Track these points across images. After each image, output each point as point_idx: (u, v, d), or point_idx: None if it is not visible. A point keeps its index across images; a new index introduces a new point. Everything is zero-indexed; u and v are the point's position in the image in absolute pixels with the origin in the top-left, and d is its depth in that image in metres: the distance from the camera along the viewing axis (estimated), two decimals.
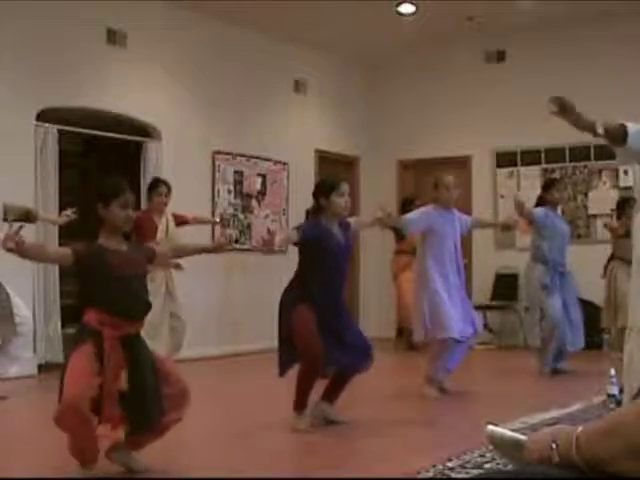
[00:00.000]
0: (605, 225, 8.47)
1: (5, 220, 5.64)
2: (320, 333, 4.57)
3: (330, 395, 4.83)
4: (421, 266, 6.07)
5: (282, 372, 4.72)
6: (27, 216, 5.89)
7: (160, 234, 6.93)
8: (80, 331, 3.47)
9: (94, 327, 3.37)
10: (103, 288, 3.41)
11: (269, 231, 4.77)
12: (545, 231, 7.01)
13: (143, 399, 3.38)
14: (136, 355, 3.42)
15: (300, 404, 4.66)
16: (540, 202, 7.17)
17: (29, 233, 5.99)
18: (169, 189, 7.19)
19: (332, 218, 4.80)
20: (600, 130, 3.20)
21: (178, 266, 6.92)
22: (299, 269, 4.84)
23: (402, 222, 6.04)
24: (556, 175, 9.86)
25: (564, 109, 3.23)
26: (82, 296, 3.52)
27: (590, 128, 3.24)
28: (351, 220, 5.05)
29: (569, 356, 7.26)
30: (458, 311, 5.92)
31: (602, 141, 3.38)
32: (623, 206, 7.93)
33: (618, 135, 3.21)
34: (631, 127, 3.20)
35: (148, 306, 3.59)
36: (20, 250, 3.33)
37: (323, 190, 4.81)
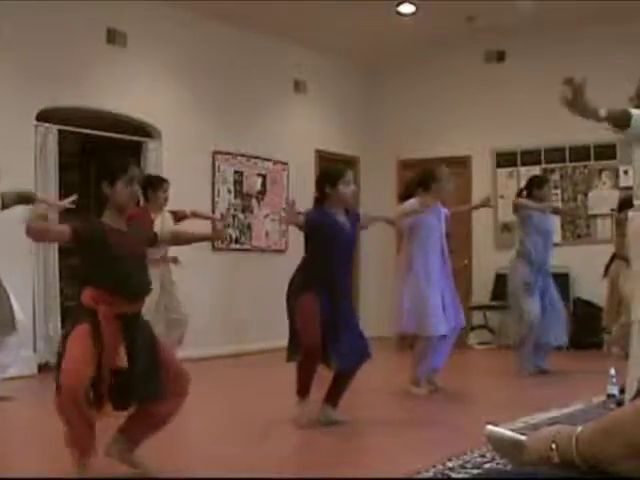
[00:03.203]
0: (612, 215, 8.40)
1: (5, 208, 5.64)
2: (322, 323, 4.58)
3: (332, 398, 4.83)
4: (405, 260, 6.09)
5: (288, 358, 4.75)
6: (25, 199, 5.86)
7: (156, 228, 6.84)
8: (76, 311, 3.46)
9: (89, 305, 3.36)
10: (101, 266, 3.40)
11: (290, 203, 4.76)
12: (528, 227, 6.97)
13: (139, 376, 3.37)
14: (134, 334, 3.40)
15: (302, 390, 4.68)
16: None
17: None
18: (168, 186, 7.19)
19: (337, 206, 4.80)
20: (603, 112, 3.24)
21: (175, 260, 6.92)
22: (305, 256, 4.85)
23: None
24: (556, 175, 9.87)
25: (575, 95, 3.25)
26: (81, 275, 3.52)
27: (594, 114, 3.28)
28: (361, 212, 5.06)
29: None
30: (440, 305, 5.91)
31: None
32: (628, 205, 7.88)
33: (622, 119, 3.26)
34: (634, 111, 3.26)
35: (147, 286, 3.57)
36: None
37: (329, 179, 4.79)
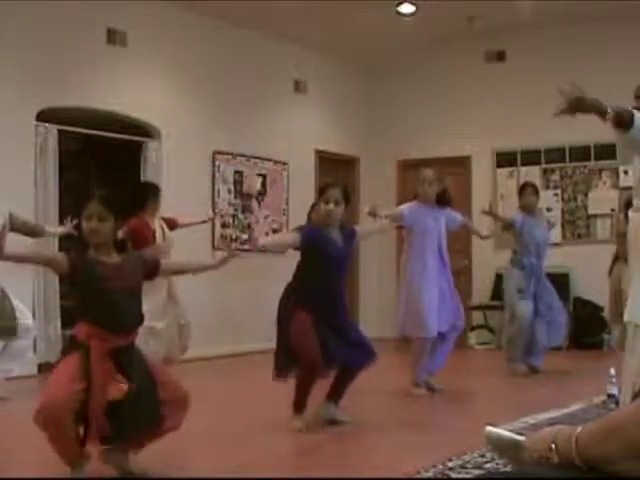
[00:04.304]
0: (611, 215, 8.43)
1: (12, 230, 5.66)
2: (321, 336, 4.57)
3: (334, 395, 4.83)
4: (403, 262, 6.14)
5: (276, 376, 4.73)
6: (35, 233, 5.98)
7: (158, 238, 6.84)
8: (69, 343, 3.46)
9: (82, 340, 3.34)
10: (92, 300, 3.38)
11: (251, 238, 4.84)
12: (521, 237, 7.08)
13: (139, 407, 3.34)
14: (127, 364, 3.38)
15: (299, 406, 4.67)
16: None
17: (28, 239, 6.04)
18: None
19: (322, 223, 4.80)
20: (609, 108, 3.21)
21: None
22: (297, 272, 4.85)
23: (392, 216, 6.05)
24: (556, 175, 9.88)
25: (576, 104, 3.21)
26: (77, 309, 3.50)
27: (601, 108, 3.24)
28: (357, 228, 5.05)
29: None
30: (436, 308, 5.91)
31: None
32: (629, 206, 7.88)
33: (625, 117, 3.22)
34: (637, 114, 3.23)
35: (139, 319, 3.55)
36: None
37: (318, 195, 4.86)
